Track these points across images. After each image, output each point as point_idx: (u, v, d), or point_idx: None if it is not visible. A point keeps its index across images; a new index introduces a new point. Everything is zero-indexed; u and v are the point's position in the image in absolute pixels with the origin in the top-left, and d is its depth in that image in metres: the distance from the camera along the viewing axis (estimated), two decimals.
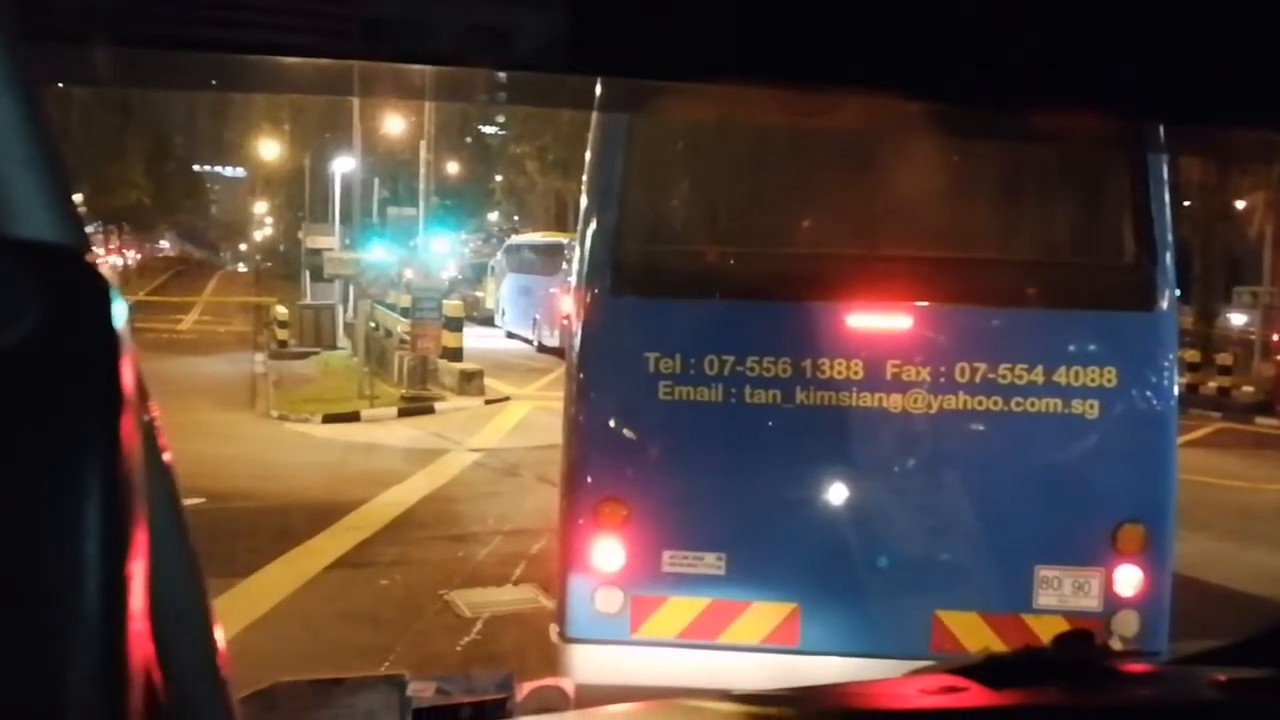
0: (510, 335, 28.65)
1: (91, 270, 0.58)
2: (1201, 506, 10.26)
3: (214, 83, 1.29)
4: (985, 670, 1.55)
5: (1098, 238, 5.04)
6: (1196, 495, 10.35)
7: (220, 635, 0.74)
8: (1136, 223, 4.61)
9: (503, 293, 30.60)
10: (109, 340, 0.56)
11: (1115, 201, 4.76)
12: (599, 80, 1.47)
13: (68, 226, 0.60)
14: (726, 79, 1.06)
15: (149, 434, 0.63)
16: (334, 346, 24.33)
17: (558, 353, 20.68)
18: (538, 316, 26.58)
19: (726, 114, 2.58)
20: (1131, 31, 0.98)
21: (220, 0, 1.02)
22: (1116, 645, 4.26)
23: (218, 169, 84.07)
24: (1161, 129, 1.92)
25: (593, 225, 4.70)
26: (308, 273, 29.37)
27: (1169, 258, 4.60)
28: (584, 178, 4.89)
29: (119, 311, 0.57)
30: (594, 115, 4.69)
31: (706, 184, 5.21)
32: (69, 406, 0.54)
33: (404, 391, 17.95)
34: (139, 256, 63.67)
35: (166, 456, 0.66)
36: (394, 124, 36.16)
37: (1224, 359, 22.09)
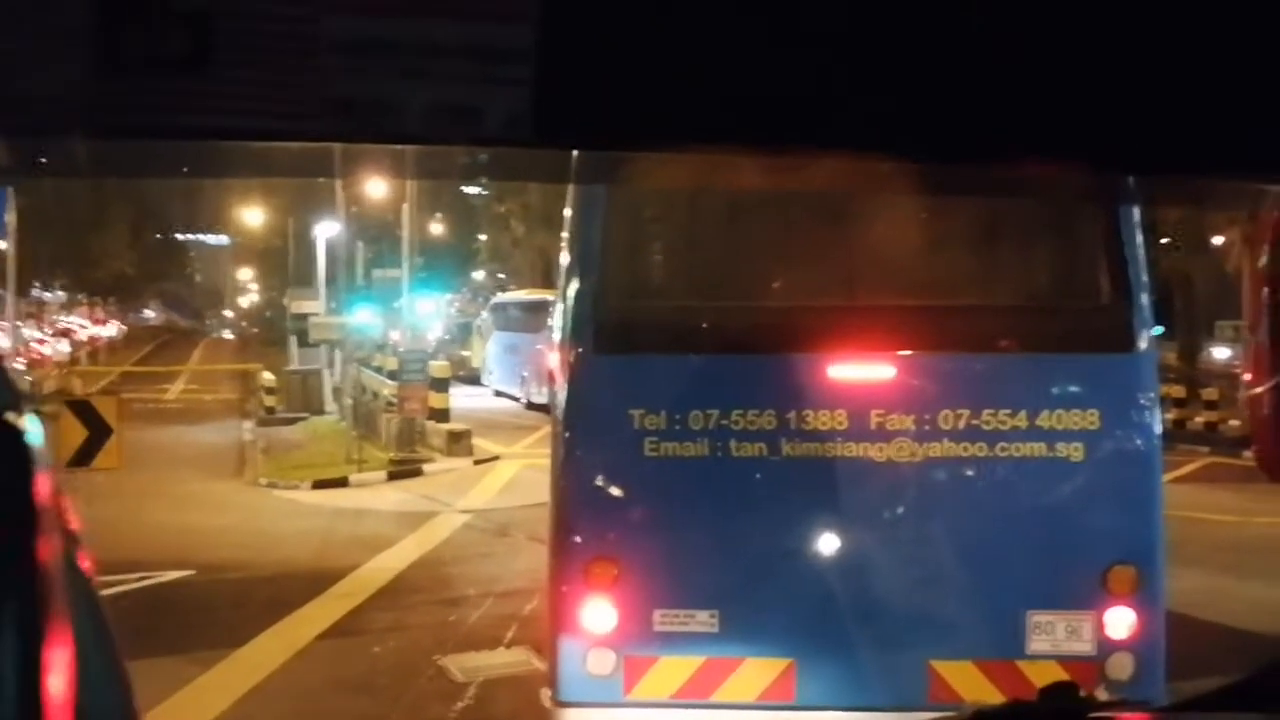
0: (498, 393, 28.56)
1: (10, 427, 0.65)
2: (1194, 542, 10.23)
3: (187, 170, 1.31)
4: None
5: (1074, 281, 5.07)
6: (1188, 531, 10.33)
7: None
8: (1111, 265, 4.65)
9: (489, 351, 30.54)
10: (24, 497, 0.62)
11: (1089, 245, 4.80)
12: (573, 152, 1.49)
13: None
14: (697, 147, 1.08)
15: (70, 552, 0.68)
16: (321, 411, 24.24)
17: (546, 410, 20.57)
18: (525, 374, 26.50)
19: (698, 180, 2.61)
20: (1101, 85, 1.00)
21: (190, 89, 1.03)
22: (1103, 694, 4.23)
23: (201, 237, 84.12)
24: (1131, 179, 1.94)
25: (574, 284, 4.72)
26: (294, 338, 29.31)
27: (1145, 298, 4.63)
28: (564, 236, 4.92)
29: (38, 459, 0.64)
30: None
31: (686, 240, 5.24)
32: None
33: (392, 454, 17.86)
34: (124, 327, 63.53)
35: (85, 564, 0.71)
36: (376, 187, 36.26)
37: (1209, 394, 22.09)
